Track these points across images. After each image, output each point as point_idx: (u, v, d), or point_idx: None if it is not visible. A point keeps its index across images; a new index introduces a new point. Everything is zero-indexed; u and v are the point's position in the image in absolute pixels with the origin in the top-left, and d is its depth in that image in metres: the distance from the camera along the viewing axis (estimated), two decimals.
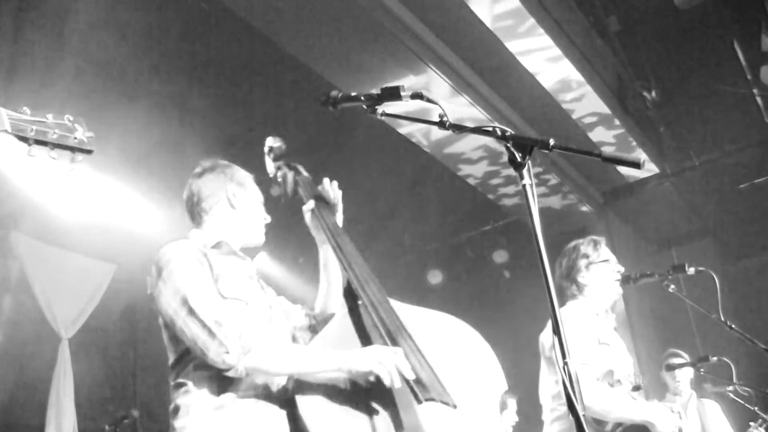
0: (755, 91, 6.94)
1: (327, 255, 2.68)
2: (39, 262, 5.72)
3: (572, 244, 3.74)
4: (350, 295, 2.46)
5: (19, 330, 5.61)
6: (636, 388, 3.36)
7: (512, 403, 6.64)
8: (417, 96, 2.08)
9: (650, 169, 7.87)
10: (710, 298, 3.92)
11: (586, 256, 3.63)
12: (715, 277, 3.82)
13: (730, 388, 4.76)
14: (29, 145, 1.95)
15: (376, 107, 2.19)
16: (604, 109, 6.75)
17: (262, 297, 2.50)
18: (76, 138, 2.02)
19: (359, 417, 2.12)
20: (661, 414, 3.29)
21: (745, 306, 7.74)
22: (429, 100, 2.07)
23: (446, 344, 2.39)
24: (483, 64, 5.97)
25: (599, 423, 3.27)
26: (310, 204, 2.70)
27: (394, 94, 2.13)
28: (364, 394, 2.15)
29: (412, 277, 8.86)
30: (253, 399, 2.23)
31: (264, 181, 2.87)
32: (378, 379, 2.11)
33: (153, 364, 6.61)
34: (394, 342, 2.21)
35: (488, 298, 8.84)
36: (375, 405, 2.14)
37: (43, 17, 4.65)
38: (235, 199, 2.61)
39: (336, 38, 5.21)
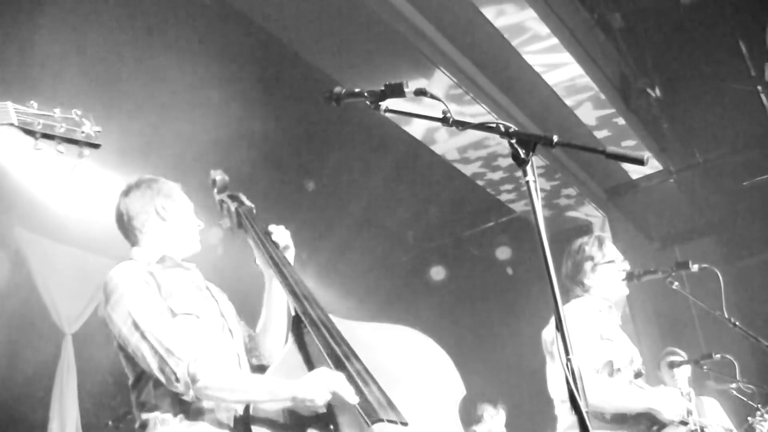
0: (759, 88, 6.92)
1: (271, 284, 2.70)
2: (43, 257, 5.73)
3: (577, 243, 3.71)
4: (297, 324, 2.49)
5: (22, 325, 5.62)
6: (637, 374, 3.33)
7: (499, 414, 6.53)
8: (420, 92, 2.08)
9: (654, 166, 7.86)
10: (714, 295, 3.92)
11: (591, 258, 3.59)
12: (718, 274, 3.81)
13: (734, 385, 4.75)
14: (36, 138, 1.95)
15: (380, 103, 2.19)
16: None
17: (213, 307, 2.52)
18: (83, 132, 2.01)
19: None
20: (667, 400, 3.25)
21: (748, 303, 7.73)
22: (433, 97, 2.06)
23: (399, 357, 2.43)
24: (487, 61, 5.96)
25: (598, 415, 3.24)
26: (251, 233, 2.72)
27: (397, 90, 2.12)
28: (304, 422, 2.20)
29: (416, 273, 8.86)
30: (209, 423, 2.29)
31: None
32: (323, 407, 2.16)
33: None
34: (340, 366, 2.24)
35: (491, 294, 8.84)
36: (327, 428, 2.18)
37: (48, 13, 4.65)
38: (165, 212, 2.63)
39: (340, 36, 5.21)
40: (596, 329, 3.37)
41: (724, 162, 7.90)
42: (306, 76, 5.55)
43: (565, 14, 5.96)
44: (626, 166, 7.66)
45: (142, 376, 2.35)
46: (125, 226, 2.65)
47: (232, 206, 2.87)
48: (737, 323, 3.86)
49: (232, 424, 2.32)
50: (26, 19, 4.62)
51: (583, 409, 1.58)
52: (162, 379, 2.23)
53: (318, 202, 7.00)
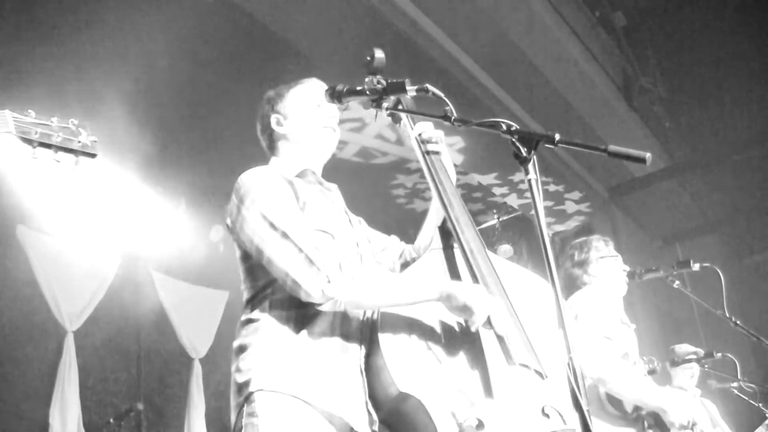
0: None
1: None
2: (44, 255, 5.73)
3: (581, 239, 3.77)
4: (445, 235, 2.27)
5: (24, 323, 5.62)
6: (651, 371, 3.35)
7: None
8: (422, 90, 2.07)
9: (656, 164, 7.85)
10: (715, 294, 3.92)
11: (598, 249, 3.68)
12: (720, 273, 3.81)
13: (735, 384, 4.74)
14: (33, 147, 1.95)
15: (382, 101, 2.19)
16: None
17: (350, 232, 2.27)
18: (80, 141, 2.02)
19: (444, 362, 1.95)
20: (677, 402, 3.27)
21: (750, 302, 7.73)
22: (435, 94, 2.06)
23: (533, 308, 2.16)
24: (489, 58, 5.95)
25: (616, 404, 3.27)
26: (416, 130, 2.38)
27: (399, 87, 2.12)
28: (450, 336, 2.00)
29: None
30: (330, 338, 2.04)
31: None
32: (466, 322, 1.96)
33: (157, 357, 6.63)
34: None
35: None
36: (462, 350, 1.98)
37: (51, 16, 4.66)
38: (283, 121, 2.42)
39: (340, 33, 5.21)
40: (617, 313, 3.41)
41: (727, 161, 7.89)
42: (309, 72, 5.52)
43: (567, 12, 5.95)
44: (628, 164, 7.65)
45: (260, 293, 2.10)
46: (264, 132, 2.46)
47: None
48: (738, 322, 3.87)
49: (353, 338, 2.07)
50: (31, 19, 4.62)
51: (585, 408, 1.57)
52: (304, 283, 1.94)
53: None
